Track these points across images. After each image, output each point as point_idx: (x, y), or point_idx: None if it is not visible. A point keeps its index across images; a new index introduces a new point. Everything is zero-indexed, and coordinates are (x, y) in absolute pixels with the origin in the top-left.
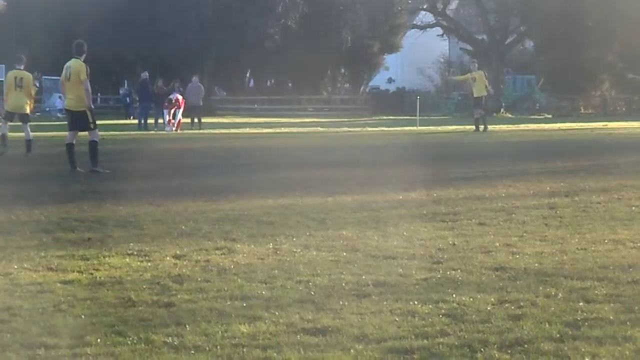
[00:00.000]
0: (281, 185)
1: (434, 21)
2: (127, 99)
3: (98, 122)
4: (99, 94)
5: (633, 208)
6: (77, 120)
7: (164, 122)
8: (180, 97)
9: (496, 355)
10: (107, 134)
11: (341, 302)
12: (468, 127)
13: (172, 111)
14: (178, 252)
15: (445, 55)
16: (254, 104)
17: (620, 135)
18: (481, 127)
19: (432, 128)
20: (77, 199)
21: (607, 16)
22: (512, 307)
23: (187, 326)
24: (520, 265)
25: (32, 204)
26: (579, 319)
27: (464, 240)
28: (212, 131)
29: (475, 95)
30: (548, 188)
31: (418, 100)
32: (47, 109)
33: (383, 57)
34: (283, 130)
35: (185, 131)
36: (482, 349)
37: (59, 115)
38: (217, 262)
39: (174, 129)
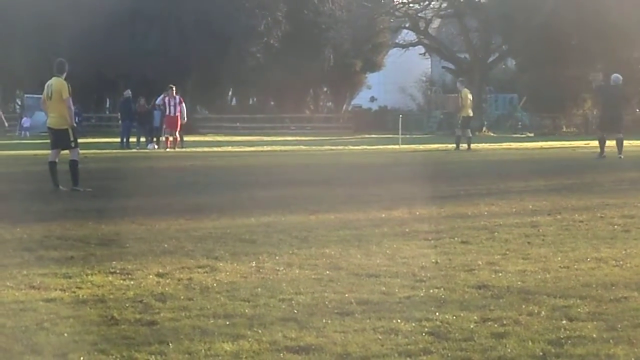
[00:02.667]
0: (264, 203)
1: (416, 40)
2: (77, 118)
3: (80, 140)
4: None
5: (615, 226)
6: (59, 138)
7: (146, 140)
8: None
9: None
10: (89, 153)
11: (324, 320)
12: (450, 145)
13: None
14: (161, 270)
15: (428, 74)
16: (236, 123)
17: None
18: (461, 146)
19: (414, 146)
20: (60, 217)
21: (589, 35)
22: (495, 325)
23: (170, 344)
24: (503, 283)
25: (14, 222)
26: (562, 337)
27: (446, 258)
28: (194, 149)
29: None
30: (530, 206)
31: (400, 118)
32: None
33: (365, 76)
34: (265, 148)
35: (168, 150)
36: None
37: (27, 134)
38: (200, 280)
39: (156, 147)
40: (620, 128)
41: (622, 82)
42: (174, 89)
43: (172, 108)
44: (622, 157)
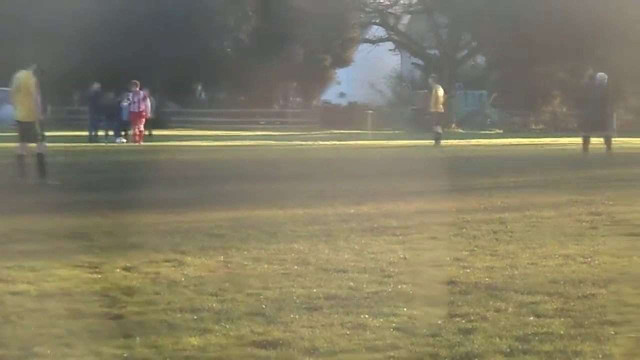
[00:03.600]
0: (232, 198)
1: (386, 36)
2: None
3: (48, 133)
4: (49, 106)
5: (583, 223)
6: (27, 131)
7: (114, 134)
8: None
9: None
10: (58, 146)
11: (292, 315)
12: (419, 141)
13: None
14: (128, 264)
15: (397, 70)
16: (205, 117)
17: (571, 151)
18: (432, 142)
19: (383, 142)
20: (27, 210)
21: (559, 32)
22: (463, 321)
23: (137, 338)
24: (470, 279)
25: None
26: (529, 333)
27: (414, 254)
28: (163, 144)
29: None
30: (499, 203)
31: (369, 114)
32: None
33: (335, 71)
34: (234, 143)
35: (136, 144)
36: None
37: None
38: (167, 274)
39: (124, 141)
40: (607, 126)
41: (606, 81)
42: (138, 84)
43: (135, 104)
44: (612, 153)
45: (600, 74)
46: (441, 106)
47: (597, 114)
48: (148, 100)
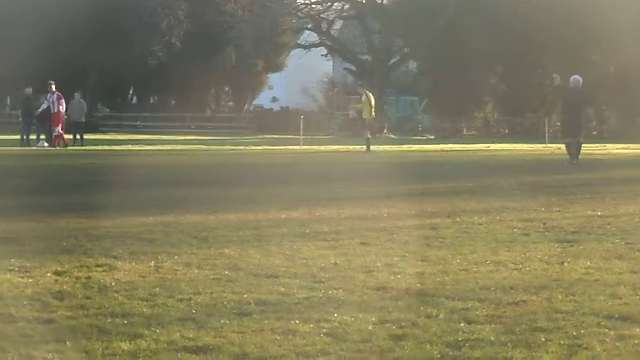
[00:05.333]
0: (163, 203)
1: (318, 41)
2: None
3: None
4: None
5: (514, 230)
6: None
7: (45, 138)
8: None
9: None
10: None
11: (222, 321)
12: (351, 147)
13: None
14: (59, 268)
15: (329, 75)
16: (136, 121)
17: (503, 157)
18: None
19: (315, 147)
20: None
21: (490, 39)
22: (393, 327)
23: (68, 343)
24: (401, 285)
25: None
26: (460, 339)
27: (345, 259)
28: (94, 148)
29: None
30: (430, 209)
31: (302, 119)
32: None
33: (267, 76)
34: (166, 147)
35: (68, 148)
36: None
37: None
38: (98, 279)
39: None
40: (579, 132)
41: (581, 85)
42: (54, 84)
43: (52, 105)
44: (577, 162)
45: (574, 77)
46: (373, 112)
47: (573, 118)
48: (63, 100)
